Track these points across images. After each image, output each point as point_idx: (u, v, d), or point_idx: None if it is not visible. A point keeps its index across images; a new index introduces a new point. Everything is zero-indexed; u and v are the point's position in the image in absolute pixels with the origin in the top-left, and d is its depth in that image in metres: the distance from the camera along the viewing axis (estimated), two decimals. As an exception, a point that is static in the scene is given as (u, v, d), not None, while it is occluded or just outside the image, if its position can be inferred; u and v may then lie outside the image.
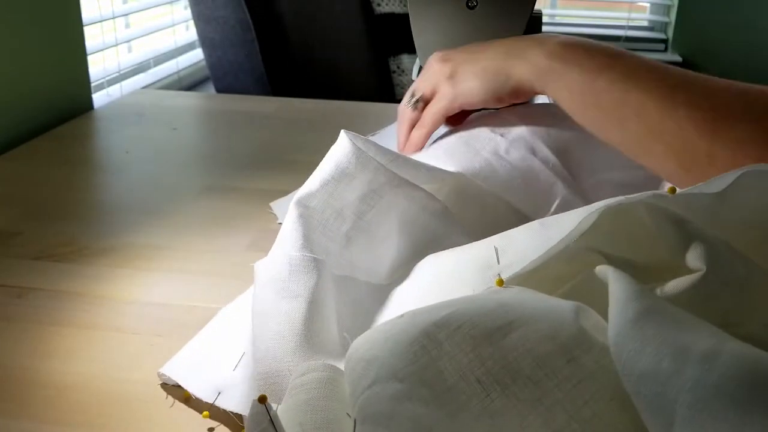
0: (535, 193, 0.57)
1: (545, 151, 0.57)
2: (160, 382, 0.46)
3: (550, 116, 0.69)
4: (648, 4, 2.76)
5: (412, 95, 0.68)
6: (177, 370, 0.46)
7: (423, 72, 0.70)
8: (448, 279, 0.43)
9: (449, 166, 0.54)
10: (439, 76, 0.66)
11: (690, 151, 0.53)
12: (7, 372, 0.47)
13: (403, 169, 0.49)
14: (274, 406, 0.34)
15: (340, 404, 0.35)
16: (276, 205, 0.72)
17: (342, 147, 0.47)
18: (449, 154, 0.55)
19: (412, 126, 0.68)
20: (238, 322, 0.48)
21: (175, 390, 0.46)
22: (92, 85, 1.16)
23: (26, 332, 0.52)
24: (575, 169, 0.60)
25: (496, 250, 0.42)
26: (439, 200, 0.51)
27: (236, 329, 0.48)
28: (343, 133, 0.48)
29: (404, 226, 0.49)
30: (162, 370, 0.46)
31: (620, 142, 0.57)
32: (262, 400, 0.34)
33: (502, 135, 0.59)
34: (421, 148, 0.67)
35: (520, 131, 0.61)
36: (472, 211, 0.54)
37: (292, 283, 0.43)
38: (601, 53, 0.59)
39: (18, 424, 0.43)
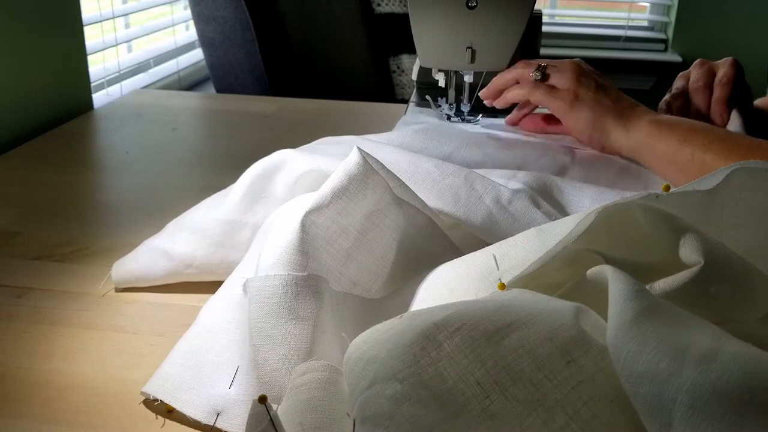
0: None
1: (546, 205, 0.57)
2: (141, 400, 0.45)
3: (564, 152, 0.73)
4: (648, 4, 2.76)
5: (543, 68, 0.76)
6: (163, 388, 0.44)
7: (567, 62, 0.76)
8: (450, 288, 0.43)
9: (454, 210, 0.55)
10: (572, 82, 0.74)
11: None
12: (7, 372, 0.47)
13: (406, 197, 0.49)
14: (274, 406, 0.34)
15: (341, 404, 0.35)
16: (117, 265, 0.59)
17: (356, 164, 0.46)
18: (454, 197, 0.55)
19: (516, 81, 0.78)
20: (221, 331, 0.47)
21: (157, 405, 0.44)
22: (92, 85, 1.16)
23: (26, 332, 0.52)
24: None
25: (495, 258, 0.42)
26: (438, 226, 0.52)
27: (220, 339, 0.46)
28: (355, 150, 0.47)
29: (402, 244, 0.49)
30: (145, 389, 0.44)
31: None
32: (263, 400, 0.34)
33: (507, 180, 0.60)
34: (500, 104, 0.79)
35: (526, 177, 0.61)
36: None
37: (299, 306, 0.42)
38: (683, 127, 0.68)
39: (18, 424, 0.43)
